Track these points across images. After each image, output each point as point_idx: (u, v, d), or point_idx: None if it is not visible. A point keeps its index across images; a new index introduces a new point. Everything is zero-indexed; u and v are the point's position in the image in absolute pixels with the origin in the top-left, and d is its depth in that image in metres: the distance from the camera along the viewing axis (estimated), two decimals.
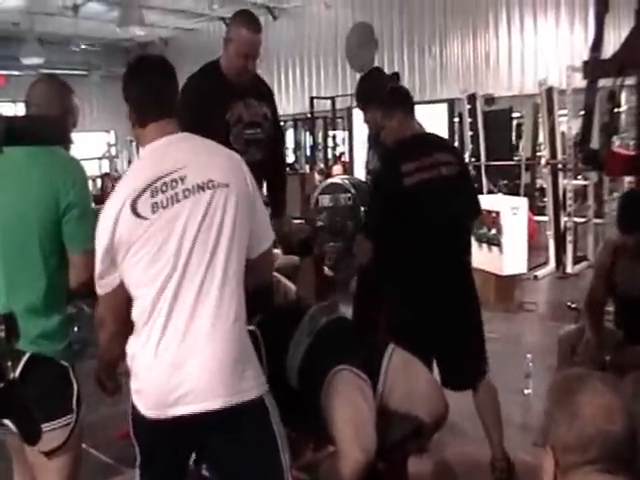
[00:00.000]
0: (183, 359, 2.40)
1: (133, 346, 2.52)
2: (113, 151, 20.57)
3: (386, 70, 16.00)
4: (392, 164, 3.98)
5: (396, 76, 4.62)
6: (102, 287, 2.58)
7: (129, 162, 18.14)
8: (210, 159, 2.61)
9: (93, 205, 3.06)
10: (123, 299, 2.53)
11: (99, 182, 16.46)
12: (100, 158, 19.99)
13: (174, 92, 2.72)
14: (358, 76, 16.46)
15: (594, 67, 6.65)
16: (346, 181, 4.59)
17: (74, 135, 3.06)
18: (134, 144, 16.63)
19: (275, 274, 3.99)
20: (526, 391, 5.35)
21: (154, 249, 2.43)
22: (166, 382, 2.40)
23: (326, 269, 4.58)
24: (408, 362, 3.41)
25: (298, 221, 4.76)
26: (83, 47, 17.95)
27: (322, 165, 14.48)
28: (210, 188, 2.49)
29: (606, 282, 4.24)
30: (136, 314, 2.49)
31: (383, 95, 4.25)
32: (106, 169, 19.27)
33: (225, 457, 2.53)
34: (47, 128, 2.34)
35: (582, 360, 4.08)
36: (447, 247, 3.90)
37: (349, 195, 4.37)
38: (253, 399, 2.47)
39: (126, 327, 2.55)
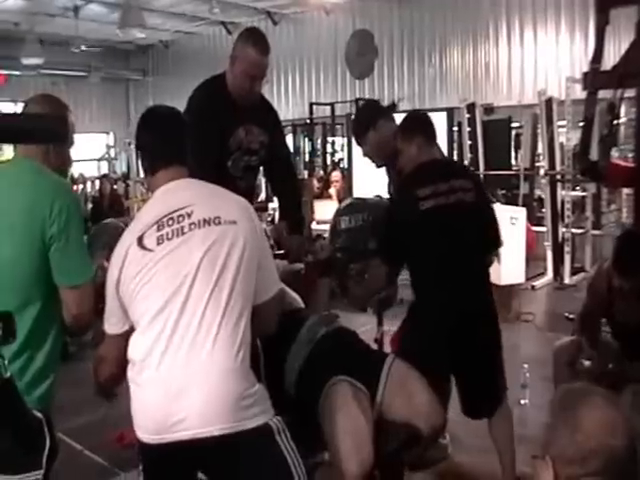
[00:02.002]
0: (182, 387, 2.41)
1: (131, 373, 2.55)
2: (112, 153, 20.53)
3: (385, 77, 16.18)
4: (408, 189, 3.92)
5: (393, 106, 4.59)
6: (110, 326, 2.62)
7: (128, 164, 18.11)
8: (219, 200, 2.67)
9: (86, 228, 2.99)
10: (124, 349, 2.56)
11: (97, 183, 16.43)
12: (99, 160, 19.97)
13: (183, 140, 2.76)
14: (358, 83, 16.59)
15: (594, 78, 6.65)
16: (364, 200, 4.55)
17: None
18: (133, 146, 16.61)
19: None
20: (523, 401, 5.36)
21: (159, 279, 2.46)
22: (164, 408, 2.42)
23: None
24: (407, 373, 3.40)
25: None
26: (83, 48, 17.92)
27: (321, 172, 14.46)
28: (217, 224, 2.54)
29: (599, 308, 4.23)
30: (135, 343, 2.51)
31: (377, 126, 4.30)
32: (105, 171, 19.23)
33: None
34: (44, 126, 2.33)
35: (583, 373, 4.07)
36: (465, 271, 3.84)
37: (367, 214, 4.31)
38: (256, 427, 2.46)
39: (124, 370, 2.58)
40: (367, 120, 4.40)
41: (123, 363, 2.57)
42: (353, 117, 4.51)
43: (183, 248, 2.49)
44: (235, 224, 2.56)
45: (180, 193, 2.63)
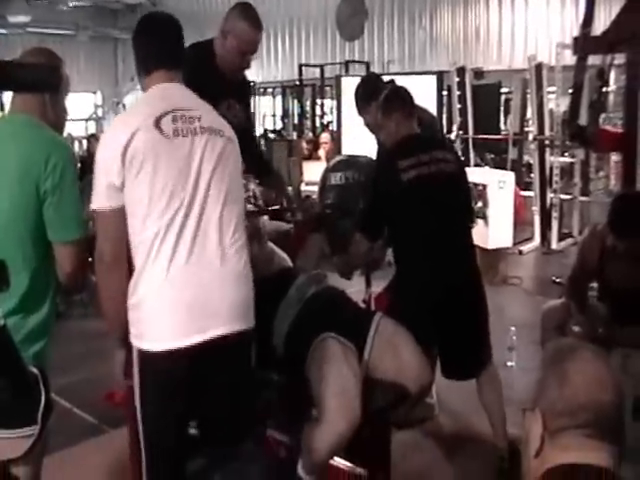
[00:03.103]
0: (212, 285, 2.50)
1: (142, 283, 2.49)
2: (100, 112, 20.41)
3: (375, 39, 16.11)
4: (389, 161, 3.94)
5: (393, 82, 4.60)
6: (109, 200, 2.49)
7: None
8: (217, 116, 2.75)
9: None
10: (123, 226, 2.50)
11: (85, 143, 16.33)
12: (87, 119, 19.86)
13: (181, 47, 2.77)
14: (348, 45, 16.52)
15: (584, 43, 6.66)
16: (355, 157, 4.55)
17: None
18: (120, 106, 16.53)
19: (270, 244, 3.99)
20: (509, 364, 5.40)
21: (174, 172, 2.48)
22: (201, 302, 2.48)
23: None
24: (394, 331, 3.42)
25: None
26: (71, 5, 17.73)
27: (310, 134, 14.43)
28: (221, 137, 2.63)
29: (590, 272, 4.25)
30: (145, 239, 2.47)
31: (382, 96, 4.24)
32: (92, 130, 19.13)
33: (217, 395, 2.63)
34: (38, 74, 2.31)
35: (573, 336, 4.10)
36: (448, 240, 3.85)
37: (358, 172, 4.32)
38: (252, 327, 2.63)
39: (121, 263, 2.53)
40: (371, 91, 4.42)
41: (120, 246, 2.51)
42: (357, 88, 4.50)
43: (198, 149, 2.55)
44: (232, 142, 2.69)
45: (183, 94, 2.69)
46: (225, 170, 2.61)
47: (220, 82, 3.80)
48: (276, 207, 4.61)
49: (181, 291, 2.47)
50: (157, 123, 2.50)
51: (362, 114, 4.50)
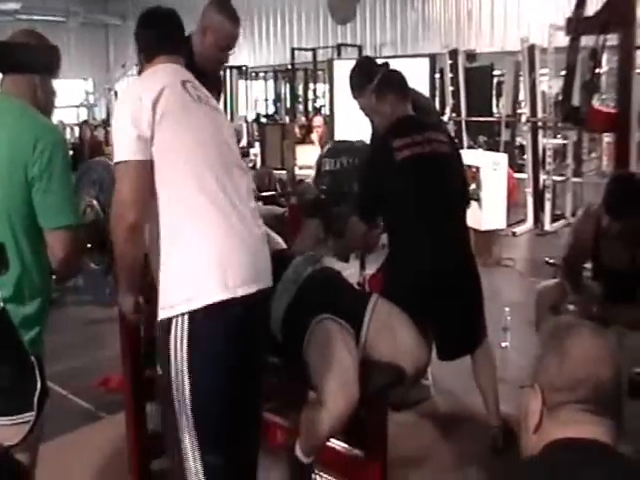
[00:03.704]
0: (256, 242, 2.61)
1: (196, 237, 2.49)
2: (91, 99, 20.33)
3: (367, 22, 16.09)
4: (383, 141, 3.95)
5: (386, 65, 4.59)
6: (137, 152, 2.47)
7: (107, 110, 17.97)
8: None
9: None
10: (149, 181, 2.49)
11: (77, 130, 16.29)
12: (78, 106, 19.78)
13: (182, 35, 2.87)
14: (340, 28, 16.49)
15: (577, 24, 6.66)
16: (350, 142, 4.56)
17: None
18: (112, 92, 16.48)
19: (264, 227, 4.00)
20: (504, 344, 5.42)
21: (206, 134, 2.58)
22: (255, 254, 2.59)
23: None
24: (391, 312, 3.42)
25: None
26: None
27: (303, 118, 14.40)
28: (223, 115, 2.83)
29: (585, 252, 4.26)
30: (189, 194, 2.49)
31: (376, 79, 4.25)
32: (84, 117, 19.07)
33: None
34: (39, 55, 2.30)
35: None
36: (442, 221, 3.85)
37: (352, 156, 4.33)
38: None
39: (142, 223, 2.51)
40: (366, 75, 4.42)
41: (144, 204, 2.49)
42: (351, 72, 4.49)
43: (216, 117, 2.70)
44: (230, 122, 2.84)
45: (189, 74, 2.74)
46: (235, 144, 2.75)
47: (199, 79, 3.81)
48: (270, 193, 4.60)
49: (240, 243, 2.53)
50: (184, 85, 2.59)
51: (357, 98, 4.49)
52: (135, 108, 2.48)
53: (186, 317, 2.45)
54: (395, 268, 3.95)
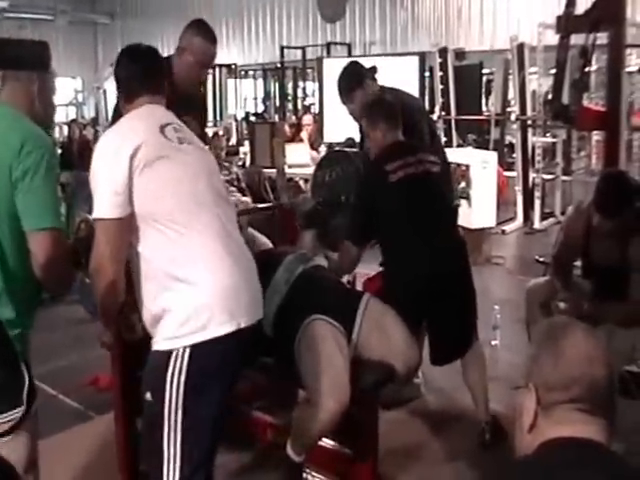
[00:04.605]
0: (246, 278, 2.60)
1: (194, 272, 2.50)
2: (80, 97, 20.27)
3: (356, 20, 16.08)
4: (375, 166, 4.02)
5: (374, 69, 4.61)
6: (116, 209, 2.47)
7: (96, 109, 17.91)
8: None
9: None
10: (127, 236, 2.50)
11: (66, 129, 16.23)
12: (67, 105, 19.73)
13: (163, 75, 2.85)
14: (329, 26, 16.48)
15: (567, 22, 6.68)
16: (344, 152, 4.62)
17: None
18: (101, 91, 16.43)
19: (250, 230, 4.01)
20: (493, 342, 5.42)
21: (189, 172, 2.59)
22: (248, 290, 2.60)
23: None
24: (383, 312, 3.42)
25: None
26: None
27: (292, 117, 14.39)
28: (205, 152, 2.87)
29: (575, 250, 4.26)
30: (177, 231, 2.48)
31: (364, 84, 4.41)
32: (73, 116, 19.00)
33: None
34: (27, 50, 2.28)
35: (558, 315, 4.11)
36: (438, 230, 3.91)
37: (347, 165, 4.37)
38: None
39: (120, 275, 2.52)
40: (355, 80, 4.47)
41: (121, 258, 2.52)
42: (339, 77, 4.50)
43: (202, 155, 2.74)
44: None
45: (169, 115, 2.73)
46: (219, 177, 2.81)
47: (177, 100, 3.84)
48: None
49: (236, 276, 2.54)
50: (162, 131, 2.57)
51: (346, 103, 4.52)
52: (112, 164, 2.47)
53: (187, 350, 2.46)
54: (393, 274, 3.96)
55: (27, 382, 2.51)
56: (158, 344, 2.52)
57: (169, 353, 2.47)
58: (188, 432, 2.50)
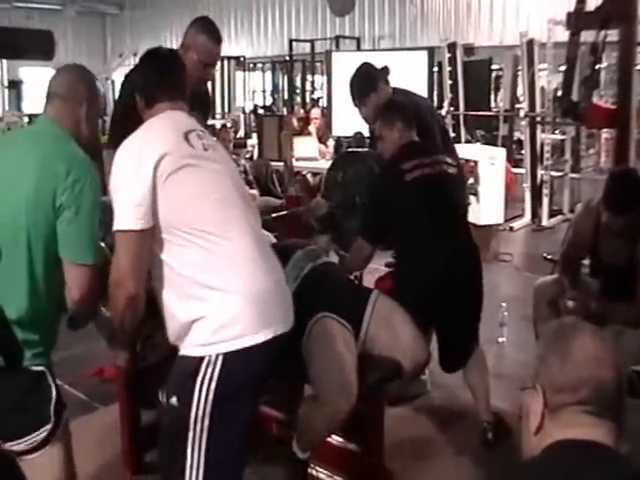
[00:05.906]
0: (274, 279, 2.58)
1: (227, 281, 2.46)
2: None
3: (365, 14, 16.04)
4: (392, 165, 4.00)
5: (386, 70, 4.60)
6: (138, 220, 2.41)
7: (105, 99, 17.87)
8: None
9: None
10: (148, 248, 2.45)
11: None
12: None
13: (185, 81, 2.80)
14: (338, 20, 16.45)
15: (577, 19, 6.64)
16: (357, 152, 4.61)
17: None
18: (109, 81, 16.41)
19: None
20: (500, 340, 5.42)
21: (217, 181, 2.56)
22: (283, 301, 2.60)
23: None
24: (392, 308, 3.42)
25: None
26: None
27: (301, 110, 14.36)
28: (228, 160, 2.80)
29: (584, 248, 4.24)
30: (209, 238, 2.44)
31: (378, 88, 4.43)
32: None
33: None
34: (33, 41, 2.27)
35: (566, 313, 4.10)
36: (454, 230, 3.92)
37: (360, 165, 4.36)
38: None
39: (140, 290, 2.45)
40: (369, 83, 4.47)
41: (143, 272, 2.46)
42: (352, 80, 4.49)
43: (227, 162, 2.71)
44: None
45: (192, 121, 2.70)
46: (240, 179, 2.81)
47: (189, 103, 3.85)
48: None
49: (271, 283, 2.54)
50: (186, 138, 2.52)
51: (359, 106, 4.51)
52: (135, 174, 2.41)
53: (220, 357, 2.42)
54: (408, 274, 3.95)
55: (54, 395, 2.52)
56: (188, 349, 2.47)
57: (201, 359, 2.42)
58: (214, 439, 2.46)
